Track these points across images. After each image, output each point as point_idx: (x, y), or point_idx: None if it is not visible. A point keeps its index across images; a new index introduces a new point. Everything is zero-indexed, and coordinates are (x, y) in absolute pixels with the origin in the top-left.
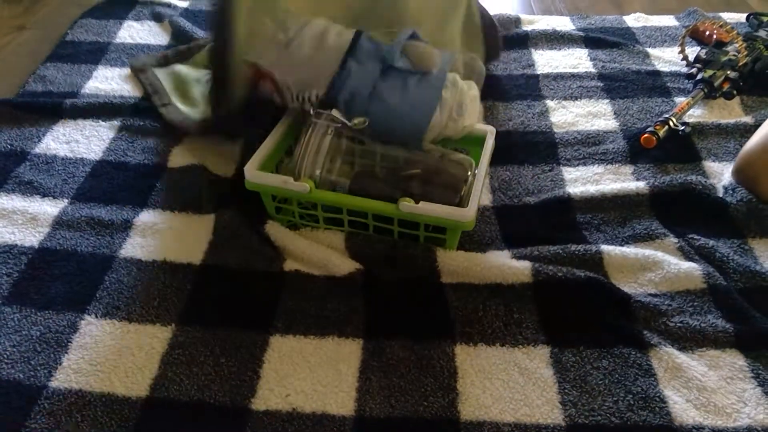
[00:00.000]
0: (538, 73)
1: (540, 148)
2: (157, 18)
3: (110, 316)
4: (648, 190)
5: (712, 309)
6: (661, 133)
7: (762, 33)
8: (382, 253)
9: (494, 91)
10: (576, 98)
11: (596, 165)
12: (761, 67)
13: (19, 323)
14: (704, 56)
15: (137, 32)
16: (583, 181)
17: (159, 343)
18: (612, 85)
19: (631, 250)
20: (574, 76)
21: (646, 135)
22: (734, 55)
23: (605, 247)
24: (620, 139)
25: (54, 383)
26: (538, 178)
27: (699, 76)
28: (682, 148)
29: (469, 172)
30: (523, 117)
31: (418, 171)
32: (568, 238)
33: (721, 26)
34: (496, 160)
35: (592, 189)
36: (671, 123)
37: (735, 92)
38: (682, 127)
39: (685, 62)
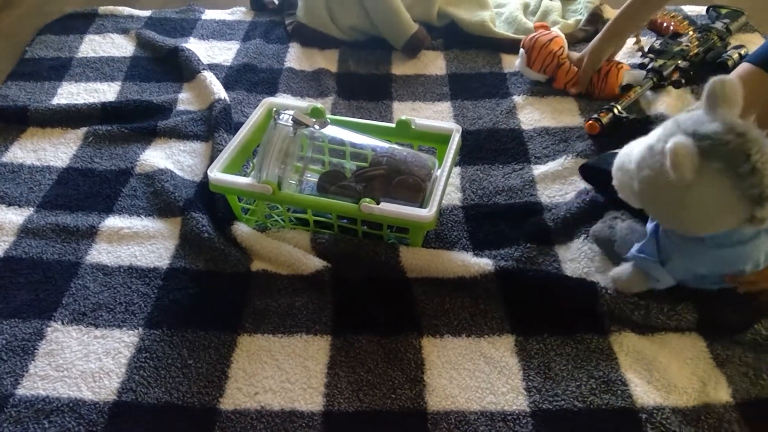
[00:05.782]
0: (505, 71)
1: (509, 146)
2: (122, 30)
3: (77, 322)
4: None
5: (673, 296)
6: (605, 120)
7: (718, 24)
8: (347, 251)
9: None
10: (543, 95)
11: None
12: (713, 57)
13: None
14: (657, 47)
15: (99, 45)
16: (552, 177)
17: (126, 347)
18: None
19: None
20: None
21: (590, 122)
22: (686, 46)
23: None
24: (586, 135)
25: (21, 391)
26: (508, 177)
27: (650, 66)
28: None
29: (432, 172)
30: (491, 115)
31: (381, 171)
32: (538, 240)
33: (673, 17)
34: (465, 159)
35: (559, 191)
36: (616, 110)
37: (683, 81)
38: (625, 115)
39: (640, 53)
